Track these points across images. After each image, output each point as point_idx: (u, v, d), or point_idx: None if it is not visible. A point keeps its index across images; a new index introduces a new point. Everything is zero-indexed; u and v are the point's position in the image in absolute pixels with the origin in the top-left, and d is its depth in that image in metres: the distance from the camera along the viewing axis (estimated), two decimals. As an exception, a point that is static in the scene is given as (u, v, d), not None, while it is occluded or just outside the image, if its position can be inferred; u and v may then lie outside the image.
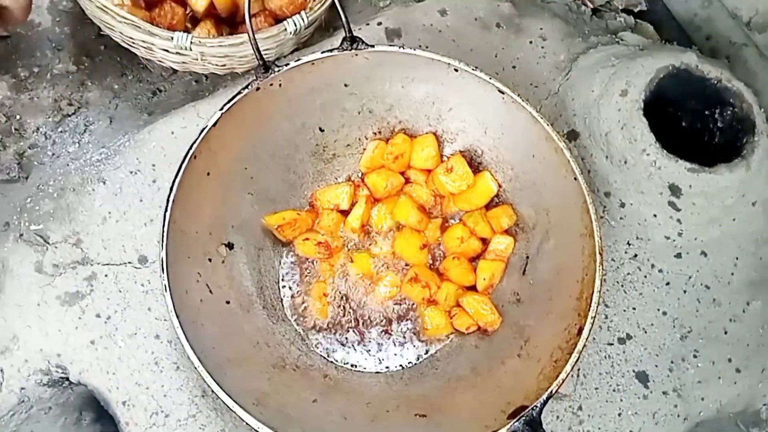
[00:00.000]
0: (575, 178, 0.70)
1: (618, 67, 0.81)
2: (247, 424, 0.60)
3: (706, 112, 0.81)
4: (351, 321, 0.78)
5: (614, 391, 0.74)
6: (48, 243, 0.74)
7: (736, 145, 0.76)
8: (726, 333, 0.78)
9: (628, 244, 0.79)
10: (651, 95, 0.77)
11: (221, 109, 0.69)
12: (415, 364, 0.75)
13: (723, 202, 0.75)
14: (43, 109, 0.89)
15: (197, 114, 0.83)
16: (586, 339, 0.63)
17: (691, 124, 0.83)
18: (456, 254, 0.79)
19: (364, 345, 0.76)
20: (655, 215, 0.77)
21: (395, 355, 0.76)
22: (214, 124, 0.69)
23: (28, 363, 0.70)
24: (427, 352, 0.76)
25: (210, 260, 0.72)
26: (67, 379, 0.71)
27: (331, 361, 0.75)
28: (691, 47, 0.99)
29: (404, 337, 0.77)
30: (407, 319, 0.78)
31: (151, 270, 0.74)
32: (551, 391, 0.61)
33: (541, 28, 0.94)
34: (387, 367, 0.75)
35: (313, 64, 0.73)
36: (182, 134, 0.81)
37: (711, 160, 0.77)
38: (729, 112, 0.78)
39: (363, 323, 0.77)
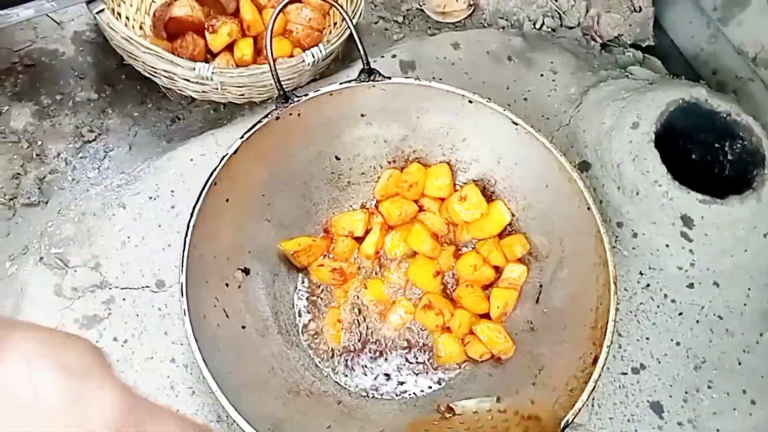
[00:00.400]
0: (588, 208, 0.71)
1: (628, 101, 0.83)
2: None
3: (716, 145, 0.82)
4: (365, 348, 0.78)
5: (629, 421, 0.73)
6: (67, 267, 0.75)
7: (747, 178, 0.77)
8: (740, 364, 0.77)
9: (641, 273, 0.80)
10: (662, 128, 0.79)
11: (242, 137, 0.71)
12: (430, 392, 0.75)
13: (734, 234, 0.76)
14: (64, 136, 0.91)
15: (216, 142, 0.85)
16: (602, 368, 0.63)
17: (701, 157, 0.84)
18: (469, 282, 0.79)
19: (377, 372, 0.76)
20: (667, 245, 0.78)
21: (409, 383, 0.76)
22: (235, 152, 0.70)
23: (43, 386, 0.70)
24: (440, 381, 0.76)
25: (227, 285, 0.72)
26: (82, 403, 0.71)
27: (345, 388, 0.75)
28: (699, 81, 1.01)
29: (418, 365, 0.77)
30: (421, 348, 0.78)
31: (169, 294, 0.75)
32: (567, 421, 0.61)
33: (551, 62, 0.96)
34: (401, 395, 0.75)
35: (331, 94, 0.75)
36: (201, 161, 0.83)
37: (722, 192, 0.78)
38: (739, 145, 0.80)
39: (377, 350, 0.78)
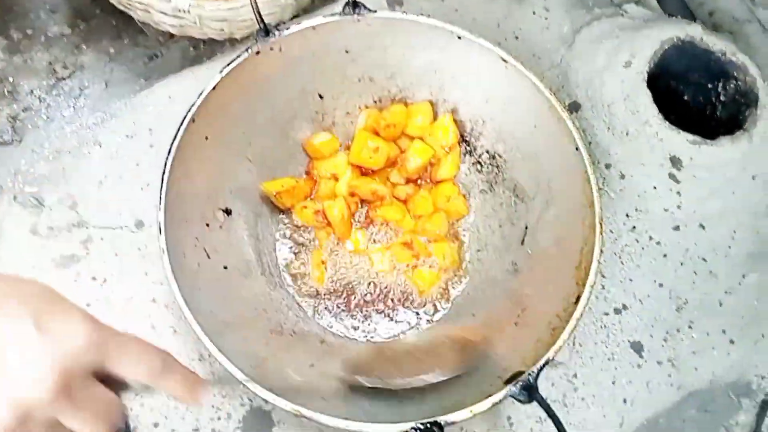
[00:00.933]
0: (577, 148, 0.70)
1: (622, 39, 0.80)
2: (243, 386, 0.60)
3: (710, 86, 0.80)
4: (347, 290, 0.78)
5: (609, 359, 0.74)
6: (43, 205, 0.73)
7: (739, 119, 0.76)
8: (721, 305, 0.78)
9: (627, 215, 0.79)
10: (655, 67, 0.77)
11: (221, 72, 0.68)
12: (411, 330, 0.76)
13: (724, 175, 0.75)
14: (37, 72, 0.88)
15: (195, 79, 0.82)
16: (584, 307, 0.63)
17: (694, 98, 0.82)
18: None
19: (360, 314, 0.76)
20: (655, 187, 0.77)
21: (390, 325, 0.76)
22: (214, 88, 0.68)
23: (23, 325, 0.70)
24: (425, 321, 0.77)
25: (208, 225, 0.71)
26: (64, 342, 0.71)
27: (328, 329, 0.75)
28: (694, 22, 0.99)
29: (402, 306, 0.77)
30: (404, 289, 0.78)
31: (148, 234, 0.73)
32: (548, 358, 0.61)
33: (544, -1, 0.93)
34: (384, 336, 0.76)
35: (314, 28, 0.72)
36: (179, 99, 0.80)
37: (713, 133, 0.77)
38: (732, 85, 0.78)
39: (359, 293, 0.77)
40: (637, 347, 0.75)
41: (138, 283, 0.71)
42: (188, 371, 0.49)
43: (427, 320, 0.77)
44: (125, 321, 0.69)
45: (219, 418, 0.67)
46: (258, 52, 0.70)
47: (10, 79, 0.87)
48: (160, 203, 0.63)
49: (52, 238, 0.72)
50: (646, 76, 0.75)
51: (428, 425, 0.57)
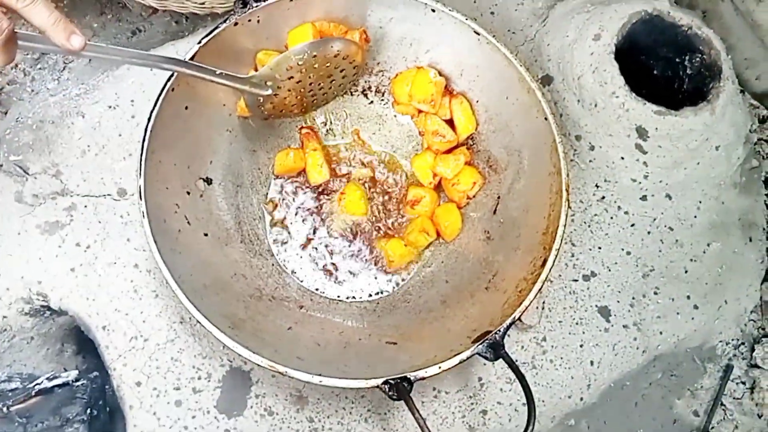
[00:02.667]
0: (546, 118, 0.72)
1: (592, 13, 0.82)
2: (223, 346, 0.63)
3: (677, 59, 0.83)
4: (326, 249, 0.80)
5: (577, 324, 0.77)
6: (27, 174, 0.74)
7: (703, 91, 0.78)
8: (686, 272, 0.81)
9: (597, 186, 0.82)
10: (623, 40, 0.79)
11: (199, 42, 0.70)
12: (387, 295, 0.78)
13: (687, 146, 0.78)
14: (45, 48, 0.89)
15: (176, 52, 0.83)
16: (550, 270, 0.66)
17: (662, 71, 0.85)
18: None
19: (337, 275, 0.79)
20: (622, 158, 0.80)
21: (367, 286, 0.78)
22: (192, 57, 0.69)
23: (9, 291, 0.72)
24: (398, 283, 0.79)
25: (188, 193, 0.73)
26: (48, 308, 0.73)
27: (307, 290, 0.77)
28: (668, 0, 1.01)
29: (377, 269, 0.79)
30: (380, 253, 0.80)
31: (131, 202, 0.75)
32: (514, 317, 0.64)
33: (520, -24, 0.94)
34: (360, 299, 0.78)
35: (291, 0, 0.74)
36: (161, 71, 0.81)
37: (680, 106, 0.79)
38: (698, 58, 0.80)
39: (339, 252, 0.80)
40: (605, 312, 0.78)
41: (121, 249, 0.73)
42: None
43: (398, 282, 0.79)
44: (108, 285, 0.72)
45: (199, 378, 0.69)
46: (236, 23, 0.71)
47: (-6, 53, 0.88)
48: (139, 169, 0.65)
49: (37, 205, 0.74)
50: (613, 48, 0.78)
51: (398, 380, 0.60)
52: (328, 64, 0.75)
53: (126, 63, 0.70)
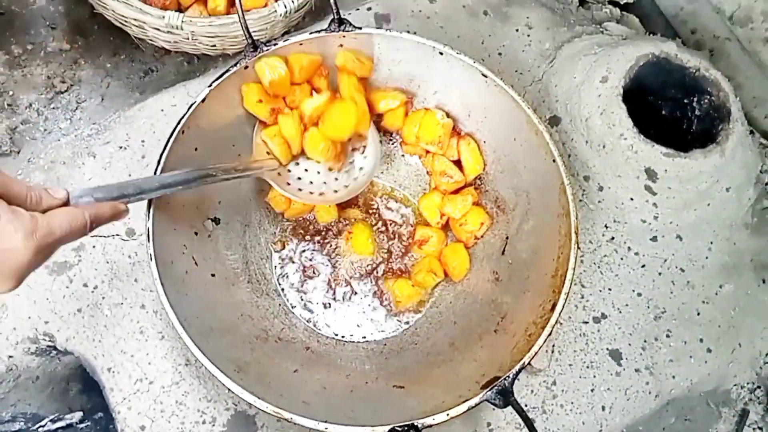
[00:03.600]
0: (554, 160, 0.72)
1: (600, 55, 0.83)
2: (228, 390, 0.62)
3: (685, 101, 0.83)
4: (334, 292, 0.79)
5: (588, 367, 0.76)
6: (38, 214, 0.75)
7: (712, 133, 0.78)
8: (698, 314, 0.80)
9: (606, 227, 0.81)
10: (631, 82, 0.79)
11: (210, 85, 0.71)
12: (395, 336, 0.77)
13: (697, 187, 0.77)
14: (35, 86, 0.91)
15: (188, 93, 0.85)
16: (560, 314, 0.65)
17: (671, 113, 0.85)
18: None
19: (345, 317, 0.78)
20: (632, 199, 0.80)
21: (376, 328, 0.78)
22: (203, 100, 0.70)
23: (16, 330, 0.72)
24: (408, 324, 0.78)
25: (196, 234, 0.73)
26: (55, 348, 0.73)
27: (315, 331, 0.77)
28: (677, 39, 1.01)
29: (384, 311, 0.79)
30: (387, 294, 0.80)
31: (139, 242, 0.76)
32: (523, 363, 0.63)
33: (527, 17, 0.95)
34: (367, 340, 0.77)
35: (300, 44, 0.75)
36: (172, 112, 0.83)
37: (688, 147, 0.79)
38: (706, 100, 0.80)
39: (346, 294, 0.79)
40: (616, 355, 0.77)
41: (128, 289, 0.73)
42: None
43: (406, 322, 0.78)
44: (114, 326, 0.71)
45: (204, 422, 0.69)
46: (246, 67, 0.72)
47: (10, 93, 0.90)
48: (148, 211, 0.65)
49: (46, 245, 0.74)
50: (621, 90, 0.78)
51: (405, 428, 0.59)
52: None
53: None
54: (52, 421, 0.72)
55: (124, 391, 0.69)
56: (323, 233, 0.82)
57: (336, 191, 0.79)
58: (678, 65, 0.80)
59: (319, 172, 0.79)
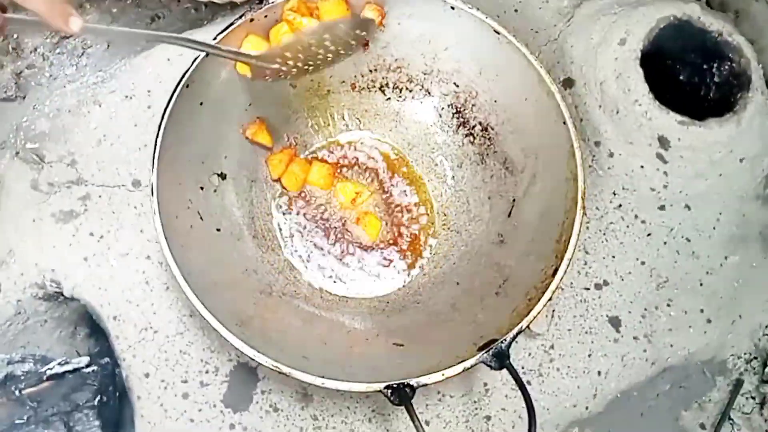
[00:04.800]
0: (564, 123, 0.70)
1: (619, 15, 0.80)
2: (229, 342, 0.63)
3: (704, 66, 0.80)
4: (336, 246, 0.80)
5: (586, 333, 0.76)
6: (43, 162, 0.75)
7: (730, 101, 0.76)
8: (701, 285, 0.80)
9: (614, 194, 0.80)
10: (650, 45, 0.77)
11: (214, 39, 0.69)
12: (398, 294, 0.78)
13: (710, 157, 0.76)
14: (41, 30, 0.89)
15: (194, 42, 0.83)
16: (560, 280, 0.65)
17: (688, 78, 0.82)
18: None
19: (348, 271, 0.79)
20: (642, 166, 0.78)
21: (378, 284, 0.78)
22: (207, 54, 0.69)
23: (23, 276, 0.73)
24: (408, 283, 0.79)
25: (202, 188, 0.73)
26: (62, 293, 0.74)
27: (317, 288, 0.77)
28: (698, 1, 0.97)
29: (387, 267, 0.79)
30: (389, 248, 0.80)
31: (145, 194, 0.76)
32: (521, 327, 0.63)
33: (547, -28, 0.92)
34: (370, 297, 0.78)
35: (308, -5, 0.72)
36: (178, 61, 0.81)
37: (705, 114, 0.77)
38: (727, 66, 0.78)
39: (348, 250, 0.80)
40: (615, 322, 0.77)
41: (134, 240, 0.74)
42: None
43: (406, 280, 0.79)
44: (120, 276, 0.72)
45: (207, 372, 0.70)
46: (252, 20, 0.71)
47: (15, 36, 0.88)
48: (153, 166, 0.65)
49: (52, 194, 0.74)
50: (639, 54, 0.75)
51: (400, 385, 0.60)
52: (338, 41, 0.73)
53: (130, 40, 0.66)
54: (60, 364, 0.74)
55: (129, 339, 0.71)
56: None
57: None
58: (700, 29, 0.77)
59: None
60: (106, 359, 0.75)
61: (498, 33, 0.73)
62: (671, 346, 0.78)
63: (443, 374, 0.61)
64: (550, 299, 0.64)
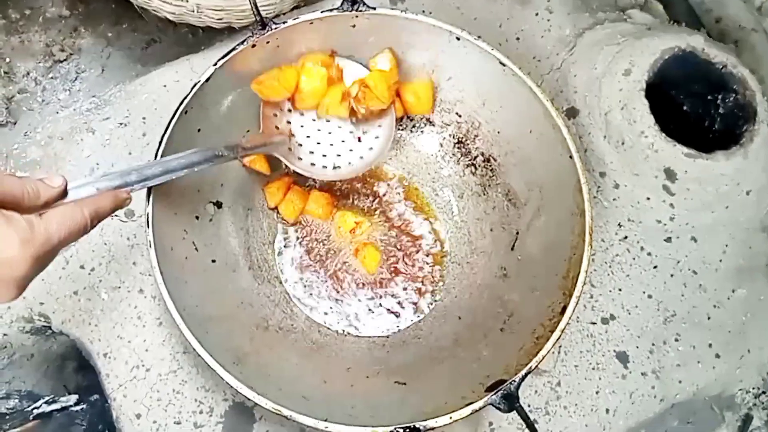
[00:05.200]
0: (570, 157, 0.69)
1: (623, 46, 0.79)
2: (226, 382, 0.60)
3: (709, 97, 0.80)
4: (335, 283, 0.78)
5: (594, 369, 0.74)
6: (34, 191, 0.73)
7: (735, 133, 0.75)
8: (709, 318, 0.78)
9: (620, 225, 0.79)
10: (654, 76, 0.76)
11: (215, 64, 0.68)
12: (398, 332, 0.76)
13: (717, 189, 0.75)
14: (33, 54, 0.87)
15: (191, 68, 0.81)
16: (569, 318, 0.63)
17: (692, 109, 0.82)
18: None
19: (347, 311, 0.76)
20: (648, 198, 0.77)
21: (379, 322, 0.76)
22: (207, 80, 0.67)
23: (10, 310, 0.70)
24: (410, 321, 0.77)
25: (197, 218, 0.71)
26: (50, 327, 0.71)
27: (316, 322, 0.75)
28: (700, 29, 0.97)
29: (389, 304, 0.77)
30: (390, 287, 0.78)
31: (138, 224, 0.73)
32: (530, 367, 0.61)
33: (548, 1, 0.91)
34: (370, 335, 0.76)
35: (311, 23, 0.71)
36: (174, 88, 0.79)
37: (709, 146, 0.76)
38: (731, 98, 0.77)
39: (348, 290, 0.77)
40: (623, 357, 0.75)
41: (126, 273, 0.71)
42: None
43: (411, 320, 0.76)
44: (111, 311, 0.70)
45: (201, 412, 0.67)
46: (254, 45, 0.69)
47: (7, 60, 0.86)
48: (148, 197, 0.62)
49: (42, 224, 0.72)
50: (644, 85, 0.75)
51: (407, 429, 0.58)
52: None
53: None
54: (47, 403, 0.71)
55: (120, 378, 0.67)
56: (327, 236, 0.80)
57: (350, 163, 0.76)
58: (704, 60, 0.76)
59: (332, 144, 0.76)
60: (96, 396, 0.72)
61: (504, 65, 0.72)
62: (680, 382, 0.76)
63: (451, 417, 0.58)
64: (559, 338, 0.62)
